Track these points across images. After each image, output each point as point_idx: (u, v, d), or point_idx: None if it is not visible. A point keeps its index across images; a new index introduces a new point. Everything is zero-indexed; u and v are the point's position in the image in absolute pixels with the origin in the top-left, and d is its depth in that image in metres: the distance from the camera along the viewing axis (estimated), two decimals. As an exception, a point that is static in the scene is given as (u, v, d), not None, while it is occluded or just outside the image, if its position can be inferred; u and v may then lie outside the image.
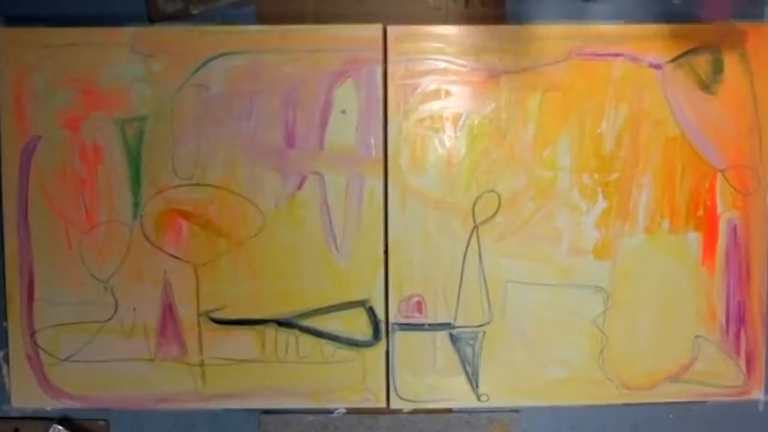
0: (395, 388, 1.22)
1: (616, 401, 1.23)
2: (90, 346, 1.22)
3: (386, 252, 1.21)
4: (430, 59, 1.19)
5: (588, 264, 1.22)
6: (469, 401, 1.23)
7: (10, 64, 1.19)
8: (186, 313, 1.21)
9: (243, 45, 1.19)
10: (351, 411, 1.24)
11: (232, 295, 1.21)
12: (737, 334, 1.24)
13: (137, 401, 1.23)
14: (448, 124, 1.20)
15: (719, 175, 1.22)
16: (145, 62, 1.19)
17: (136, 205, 1.21)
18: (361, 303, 1.21)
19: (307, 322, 1.22)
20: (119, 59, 1.18)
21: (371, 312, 1.21)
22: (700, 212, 1.22)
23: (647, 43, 1.20)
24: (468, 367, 1.23)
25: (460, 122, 1.20)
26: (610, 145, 1.21)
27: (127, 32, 1.18)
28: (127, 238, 1.21)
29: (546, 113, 1.20)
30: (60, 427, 1.21)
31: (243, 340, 1.22)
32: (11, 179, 1.20)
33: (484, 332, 1.22)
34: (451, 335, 1.22)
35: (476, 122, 1.20)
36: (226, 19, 1.20)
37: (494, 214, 1.21)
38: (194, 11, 1.20)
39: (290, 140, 1.20)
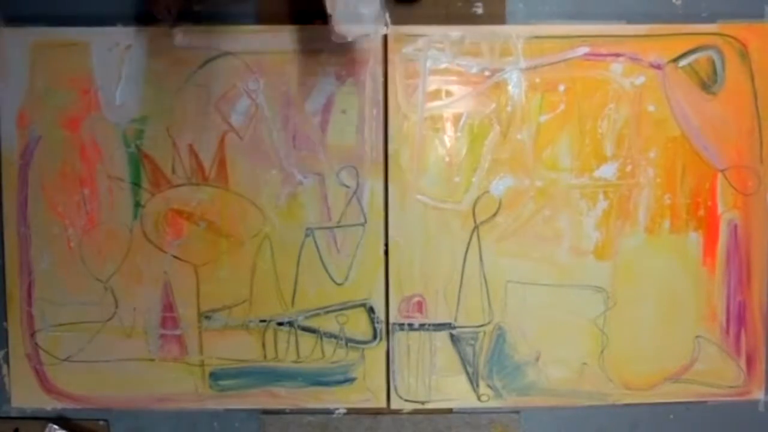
0: (395, 388, 1.22)
1: (616, 401, 1.23)
2: (90, 346, 1.22)
3: (386, 252, 1.21)
4: (430, 59, 1.19)
5: (588, 264, 1.22)
6: (470, 401, 1.23)
7: (10, 64, 1.19)
8: (186, 313, 1.21)
9: (243, 45, 1.19)
10: (351, 411, 1.24)
11: (232, 295, 1.21)
12: (737, 335, 1.24)
13: (137, 401, 1.23)
14: (448, 124, 1.20)
15: (720, 175, 1.22)
16: (146, 62, 1.19)
17: (136, 205, 1.21)
18: (362, 303, 1.21)
19: (307, 322, 1.22)
20: (119, 59, 1.18)
21: (371, 312, 1.21)
22: (701, 212, 1.22)
23: (647, 43, 1.20)
24: (468, 367, 1.23)
25: (460, 122, 1.20)
26: (610, 145, 1.21)
27: (128, 32, 1.18)
28: (127, 238, 1.21)
29: (546, 113, 1.20)
30: (55, 426, 1.21)
31: (243, 340, 1.22)
32: (11, 179, 1.20)
33: (485, 332, 1.22)
34: (451, 335, 1.22)
35: (476, 122, 1.20)
36: (226, 19, 1.20)
37: (494, 215, 1.21)
38: (196, 7, 1.19)
39: (290, 140, 1.20)
